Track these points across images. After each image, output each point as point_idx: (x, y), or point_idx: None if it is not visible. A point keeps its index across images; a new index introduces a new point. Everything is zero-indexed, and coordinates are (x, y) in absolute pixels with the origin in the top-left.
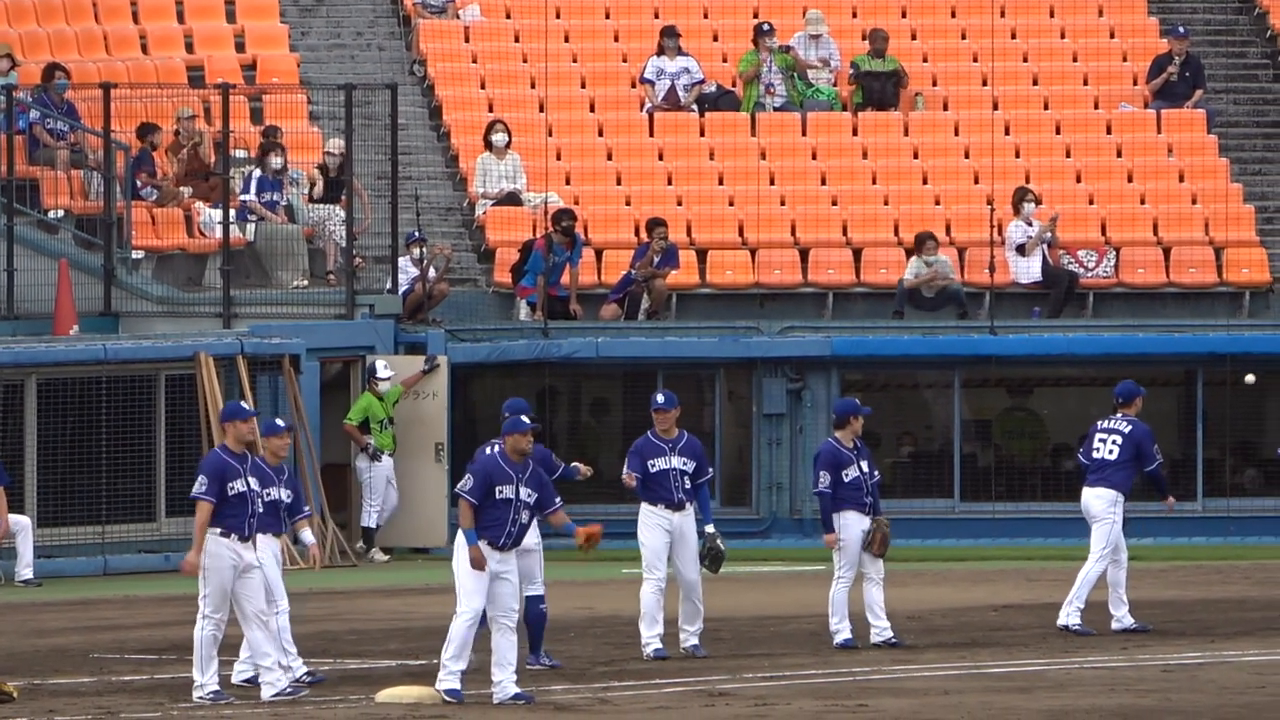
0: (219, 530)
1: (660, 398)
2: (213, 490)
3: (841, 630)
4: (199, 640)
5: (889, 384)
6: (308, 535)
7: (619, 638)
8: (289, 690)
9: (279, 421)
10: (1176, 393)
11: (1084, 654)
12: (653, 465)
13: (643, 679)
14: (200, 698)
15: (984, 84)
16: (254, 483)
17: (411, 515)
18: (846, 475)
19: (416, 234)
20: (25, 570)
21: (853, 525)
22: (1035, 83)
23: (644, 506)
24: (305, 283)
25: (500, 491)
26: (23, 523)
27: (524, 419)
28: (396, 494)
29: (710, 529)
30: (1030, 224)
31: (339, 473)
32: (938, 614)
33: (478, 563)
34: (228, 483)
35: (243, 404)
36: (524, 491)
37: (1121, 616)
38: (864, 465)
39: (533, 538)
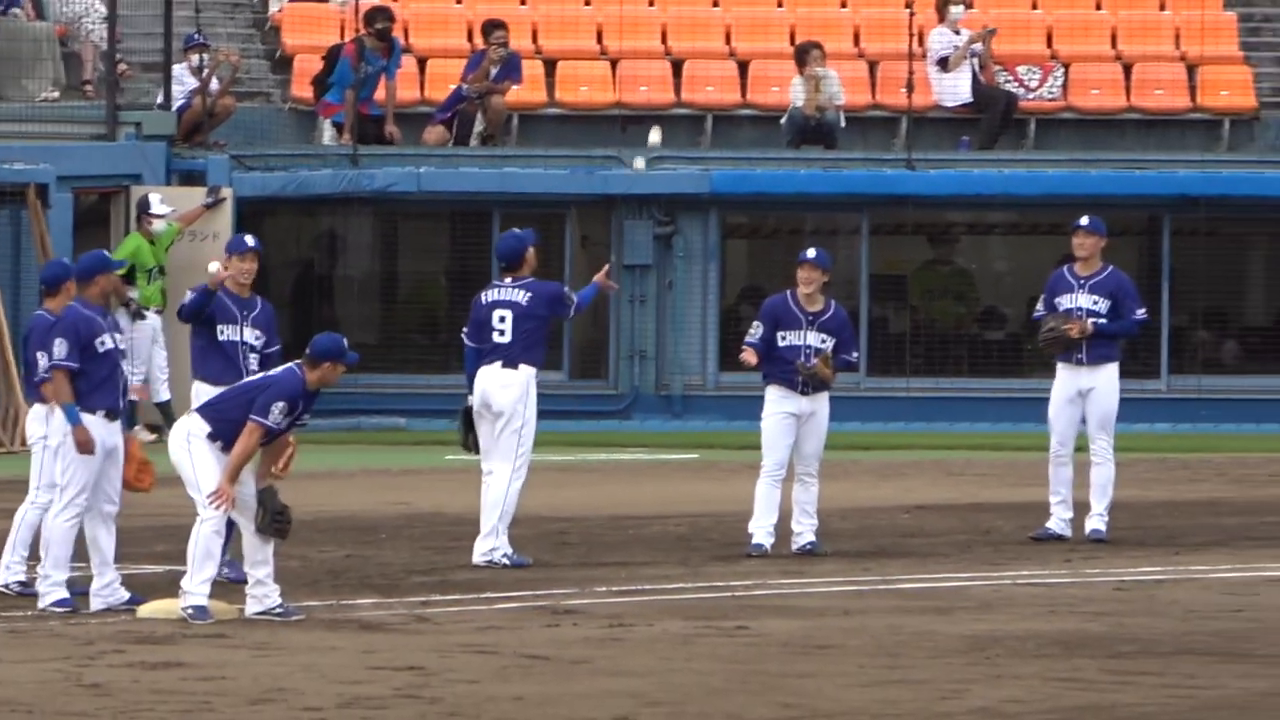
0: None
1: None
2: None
3: (755, 533)
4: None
5: (780, 229)
6: None
7: (442, 540)
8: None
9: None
10: (1138, 243)
11: (1018, 567)
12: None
13: (471, 592)
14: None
15: None
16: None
17: (183, 384)
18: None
19: (196, 37)
20: None
21: None
22: None
23: (532, 375)
24: (56, 95)
25: (101, 344)
26: None
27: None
28: (165, 356)
29: None
30: (957, 33)
31: None
32: (836, 515)
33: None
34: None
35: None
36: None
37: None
38: None
39: None
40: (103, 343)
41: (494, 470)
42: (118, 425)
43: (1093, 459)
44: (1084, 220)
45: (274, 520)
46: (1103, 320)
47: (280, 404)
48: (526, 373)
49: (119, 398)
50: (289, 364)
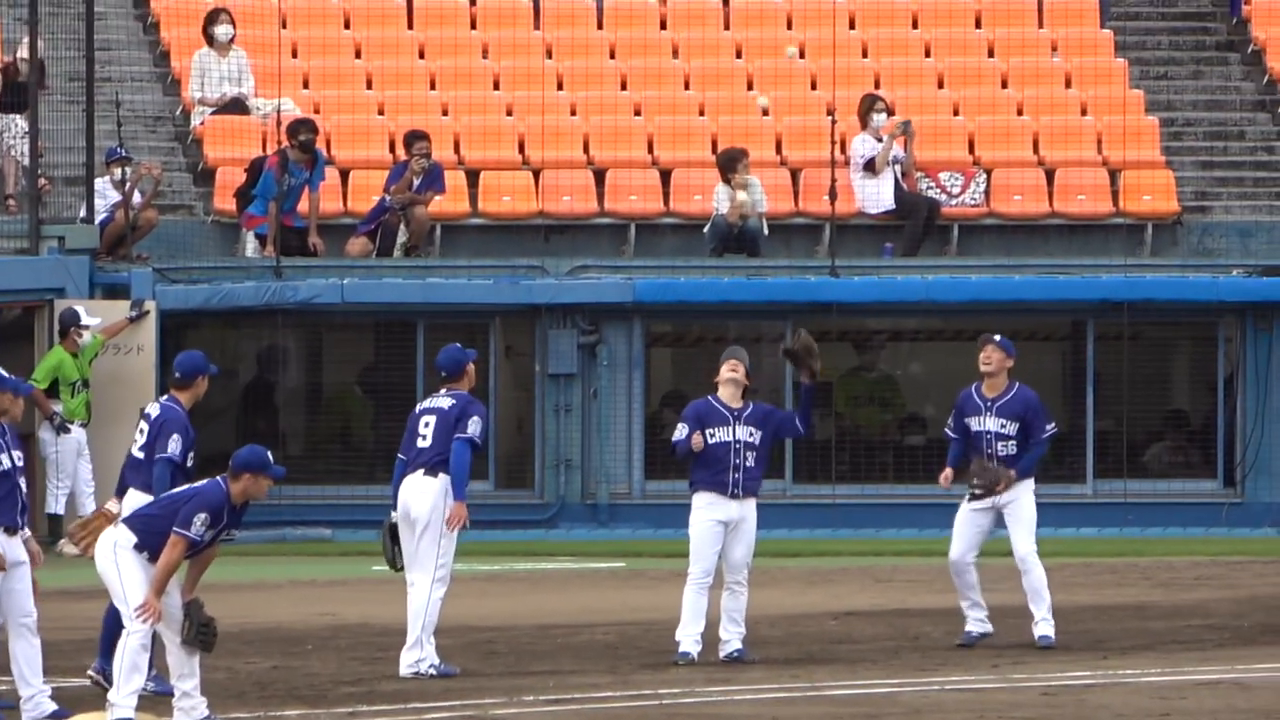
0: None
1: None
2: None
3: (682, 641)
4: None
5: (704, 337)
6: None
7: (369, 650)
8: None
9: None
10: (1061, 348)
11: (945, 673)
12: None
13: (398, 702)
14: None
15: None
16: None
17: (109, 498)
18: (190, 458)
19: (118, 150)
20: None
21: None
22: None
23: (450, 484)
24: None
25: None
26: None
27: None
28: (90, 469)
29: None
30: (880, 140)
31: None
32: (764, 622)
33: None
34: None
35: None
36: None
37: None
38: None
39: None
40: (1, 464)
41: (415, 581)
42: (18, 540)
43: (1020, 567)
44: (996, 336)
45: (199, 633)
46: (1015, 453)
47: (202, 515)
48: (446, 481)
49: (18, 513)
50: (215, 477)
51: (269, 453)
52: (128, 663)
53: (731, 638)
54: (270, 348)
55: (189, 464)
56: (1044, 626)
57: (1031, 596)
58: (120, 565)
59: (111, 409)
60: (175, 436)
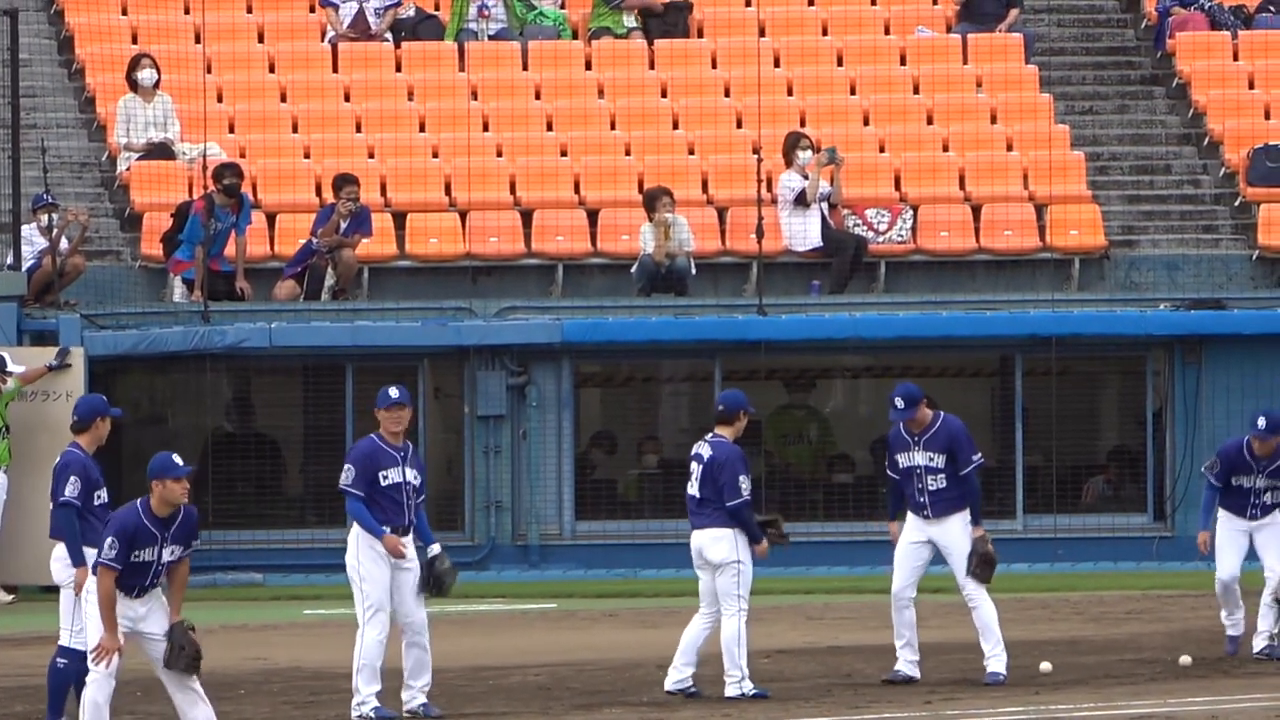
0: None
1: (394, 391)
2: None
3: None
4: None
5: (633, 377)
6: None
7: (301, 694)
8: None
9: None
10: (990, 384)
11: (878, 710)
12: (384, 477)
13: None
14: None
15: (747, 3)
16: None
17: (36, 545)
18: (98, 497)
19: (44, 196)
20: None
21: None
22: (811, 2)
23: (360, 531)
24: None
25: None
26: None
27: (177, 459)
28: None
29: (435, 549)
30: (806, 177)
31: None
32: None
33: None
34: None
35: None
36: (168, 551)
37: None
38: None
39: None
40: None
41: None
42: None
43: (969, 603)
44: (898, 403)
45: (180, 651)
46: (945, 485)
47: (110, 539)
48: (355, 529)
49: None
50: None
51: (173, 455)
52: (89, 714)
53: (686, 676)
54: (198, 392)
55: (97, 503)
56: (995, 663)
57: (982, 633)
58: (88, 609)
59: (38, 455)
60: (73, 479)
